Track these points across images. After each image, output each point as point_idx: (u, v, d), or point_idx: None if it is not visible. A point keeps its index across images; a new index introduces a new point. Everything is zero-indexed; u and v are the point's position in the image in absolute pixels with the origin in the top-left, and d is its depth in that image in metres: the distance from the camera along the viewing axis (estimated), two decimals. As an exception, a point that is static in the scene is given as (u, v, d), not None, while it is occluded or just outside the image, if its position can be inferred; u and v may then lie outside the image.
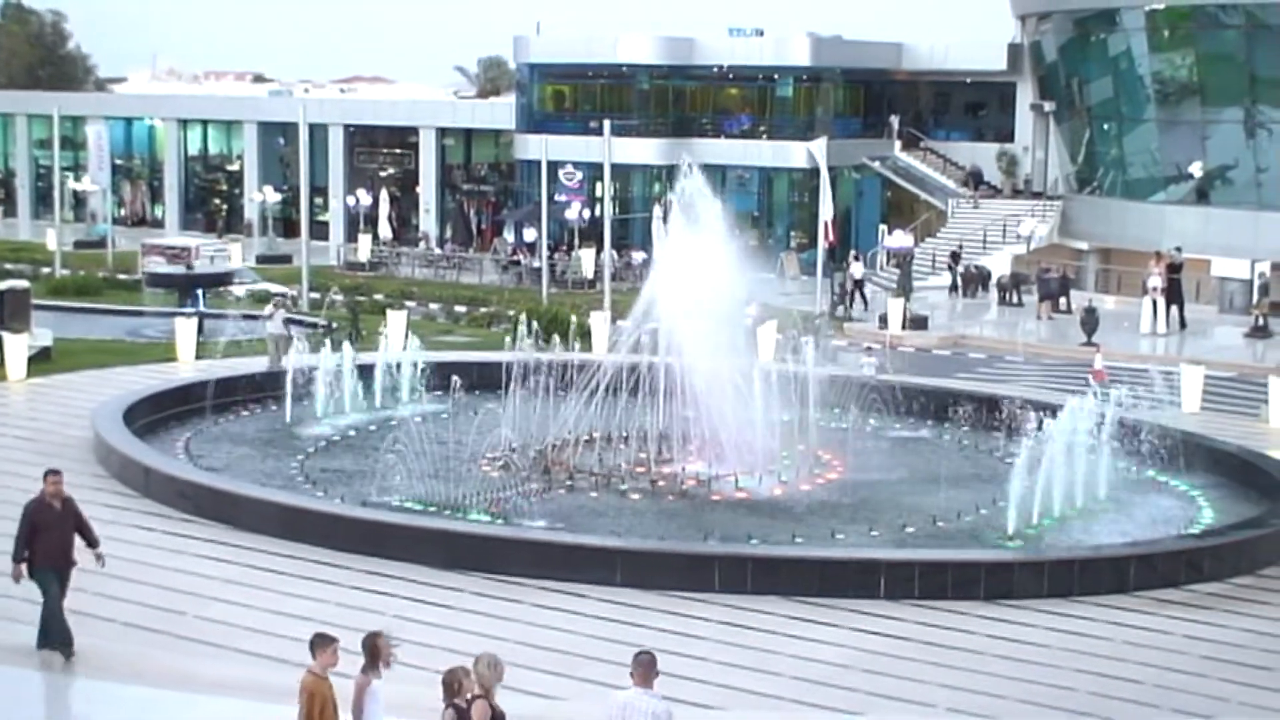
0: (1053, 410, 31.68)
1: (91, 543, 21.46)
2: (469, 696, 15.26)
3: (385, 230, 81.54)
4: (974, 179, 78.02)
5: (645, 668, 15.72)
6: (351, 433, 35.92)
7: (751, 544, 27.26)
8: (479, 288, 66.85)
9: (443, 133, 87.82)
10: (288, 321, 43.47)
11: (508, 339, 38.90)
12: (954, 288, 65.53)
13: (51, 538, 21.00)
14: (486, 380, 37.41)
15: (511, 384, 34.55)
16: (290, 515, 27.64)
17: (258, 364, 41.43)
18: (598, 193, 73.49)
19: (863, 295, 61.07)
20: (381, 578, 24.85)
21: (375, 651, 15.88)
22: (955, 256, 67.05)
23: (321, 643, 15.72)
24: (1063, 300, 60.32)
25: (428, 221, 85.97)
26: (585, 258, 69.99)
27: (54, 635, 20.81)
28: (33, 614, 22.89)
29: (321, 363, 37.60)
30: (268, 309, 44.12)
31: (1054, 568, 25.75)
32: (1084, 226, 72.01)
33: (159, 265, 63.22)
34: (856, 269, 61.41)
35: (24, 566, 20.91)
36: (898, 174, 79.27)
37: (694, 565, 25.42)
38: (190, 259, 63.41)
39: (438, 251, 78.17)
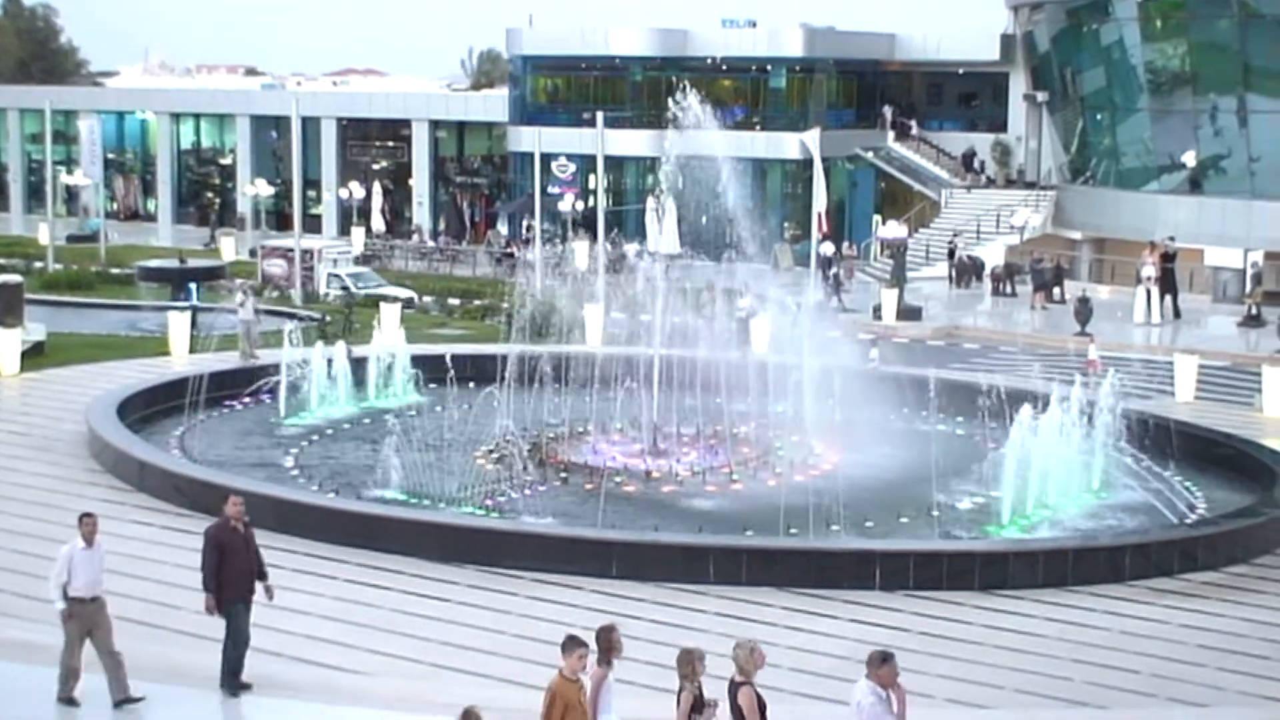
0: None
1: (261, 574, 20.03)
2: (735, 680, 15.35)
3: (378, 223, 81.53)
4: (967, 161, 78.05)
5: (873, 663, 15.77)
6: (345, 426, 35.91)
7: (747, 535, 27.27)
8: (472, 280, 66.81)
9: (436, 125, 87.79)
10: (259, 311, 43.58)
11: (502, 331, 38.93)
12: (952, 278, 65.64)
13: (237, 564, 19.70)
14: (481, 373, 37.42)
15: (505, 376, 34.52)
16: (285, 509, 27.58)
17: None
18: (591, 185, 73.44)
19: (835, 280, 60.65)
20: (377, 571, 24.85)
21: (610, 645, 15.95)
22: (955, 248, 67.12)
23: (572, 645, 15.45)
24: (1056, 290, 60.34)
25: (421, 214, 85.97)
26: (579, 250, 69.97)
27: (235, 674, 19.73)
28: (17, 607, 22.92)
29: (315, 356, 37.57)
30: (238, 297, 44.18)
31: (1049, 558, 25.77)
32: (1077, 216, 72.03)
33: (278, 267, 62.09)
34: (826, 247, 60.69)
35: (214, 596, 19.60)
36: (891, 164, 79.27)
37: (689, 557, 25.40)
38: (311, 262, 61.75)
39: (431, 244, 78.14)
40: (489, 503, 29.21)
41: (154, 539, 26.68)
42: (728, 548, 25.95)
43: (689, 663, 15.52)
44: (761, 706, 15.31)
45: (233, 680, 19.65)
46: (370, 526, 26.62)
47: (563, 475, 31.30)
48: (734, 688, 15.37)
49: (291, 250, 62.24)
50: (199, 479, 29.43)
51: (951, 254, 66.81)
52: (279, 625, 21.98)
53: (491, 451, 32.36)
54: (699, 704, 15.31)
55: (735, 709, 15.30)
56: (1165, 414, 34.99)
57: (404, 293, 58.24)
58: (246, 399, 37.92)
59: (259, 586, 19.94)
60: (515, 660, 21.36)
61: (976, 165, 78.26)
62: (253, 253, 67.37)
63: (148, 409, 35.70)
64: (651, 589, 24.26)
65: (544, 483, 30.80)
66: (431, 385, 37.83)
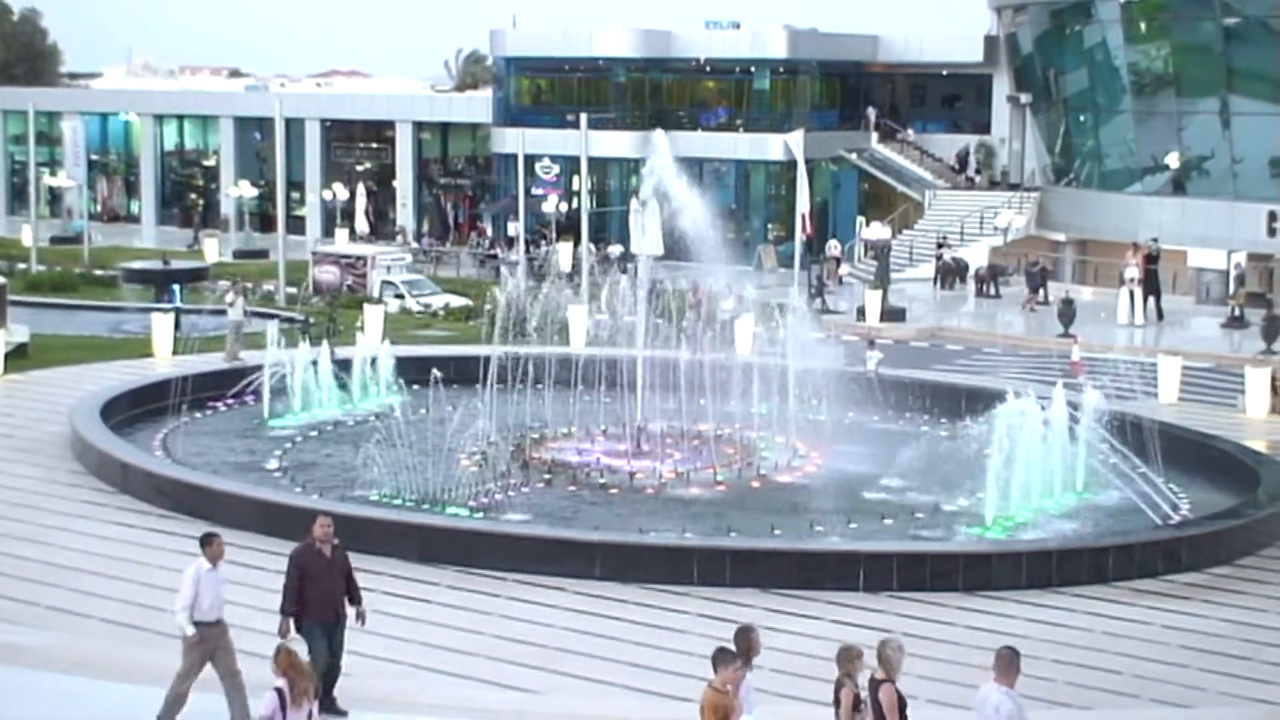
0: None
1: (355, 599, 19.23)
2: (875, 678, 15.39)
3: (362, 224, 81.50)
4: (962, 162, 78.17)
5: (1003, 663, 15.64)
6: (329, 427, 35.88)
7: (730, 536, 27.28)
8: (456, 281, 66.76)
9: (420, 127, 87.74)
10: (248, 312, 43.54)
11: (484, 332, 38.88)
12: (937, 279, 65.70)
13: (319, 588, 18.88)
14: (464, 374, 37.40)
15: (489, 378, 34.50)
16: (268, 510, 27.57)
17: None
18: (575, 186, 73.45)
19: (819, 281, 60.66)
20: (359, 572, 24.74)
21: (749, 645, 15.93)
22: (942, 249, 67.20)
23: (725, 658, 15.24)
24: (1040, 291, 60.44)
25: (405, 215, 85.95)
26: (563, 251, 69.96)
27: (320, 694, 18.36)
28: (2, 609, 22.87)
29: (298, 357, 37.53)
30: (228, 297, 44.14)
31: (1032, 559, 25.81)
32: (1061, 218, 72.13)
33: (330, 275, 61.42)
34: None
35: (291, 621, 18.84)
36: (875, 166, 79.36)
37: (672, 558, 25.40)
38: (365, 269, 60.87)
39: (415, 245, 78.08)
40: (472, 504, 29.19)
41: (137, 540, 26.65)
42: (711, 549, 25.96)
43: (850, 660, 15.58)
44: (902, 705, 15.32)
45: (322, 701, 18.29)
46: (351, 527, 26.50)
47: (546, 476, 31.28)
48: (875, 685, 15.41)
49: (345, 256, 61.68)
50: (182, 480, 29.41)
51: (940, 255, 66.84)
52: (262, 627, 21.94)
53: (474, 453, 32.33)
54: (859, 701, 15.35)
55: (875, 706, 15.34)
56: (1149, 415, 35.04)
57: (459, 300, 57.78)
58: (230, 400, 37.88)
59: (351, 610, 19.20)
60: (496, 661, 21.36)
61: (971, 165, 78.34)
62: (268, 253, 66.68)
63: (131, 411, 35.64)
64: (634, 590, 24.25)
65: (527, 484, 30.79)
66: (415, 386, 37.79)
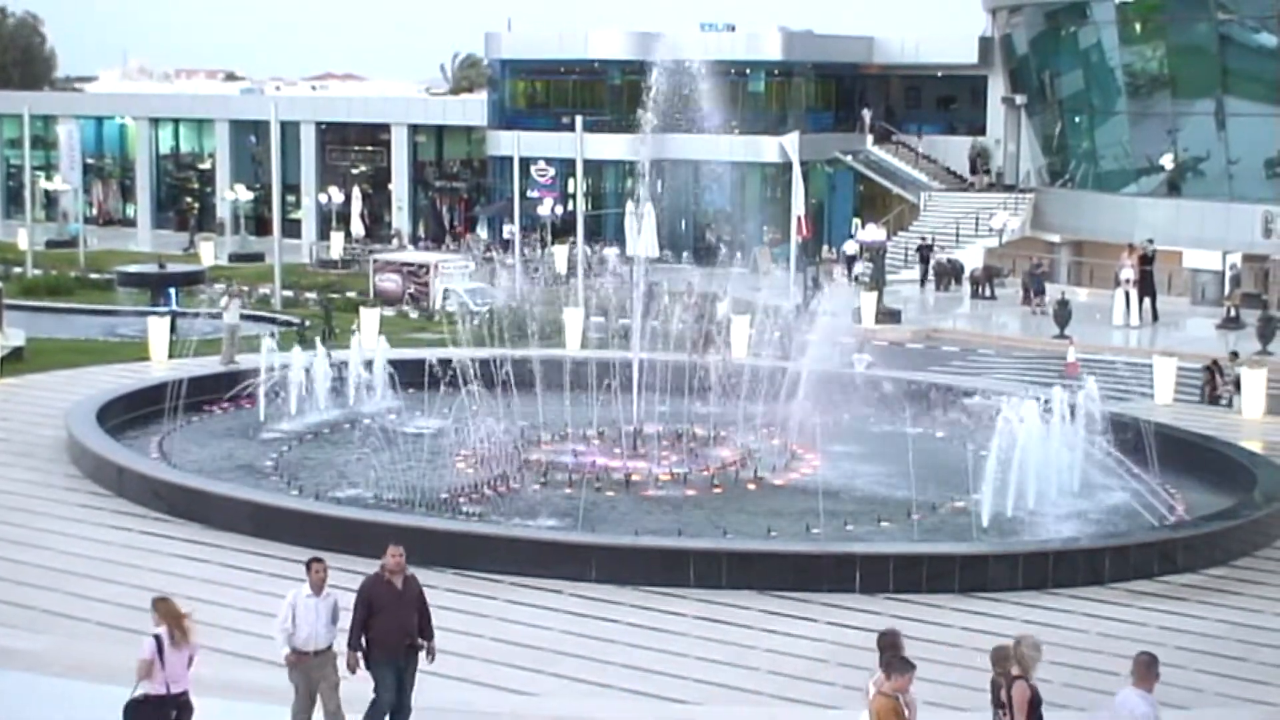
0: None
1: (427, 633, 18.21)
2: (1013, 673, 15.47)
3: (358, 228, 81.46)
4: (974, 163, 78.14)
5: (1142, 668, 15.72)
6: (326, 430, 35.87)
7: (727, 538, 27.27)
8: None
9: (415, 129, 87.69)
10: (244, 315, 43.51)
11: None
12: (924, 280, 65.63)
13: (389, 622, 17.86)
14: (461, 377, 37.36)
15: (487, 380, 34.47)
16: (263, 513, 27.59)
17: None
18: (570, 188, 73.42)
19: (813, 283, 60.55)
20: (355, 575, 24.73)
21: (895, 648, 15.97)
22: (925, 249, 67.12)
23: (901, 666, 15.27)
24: (1044, 294, 60.40)
25: (400, 219, 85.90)
26: (559, 254, 69.93)
27: None
28: (7, 614, 22.86)
29: (294, 360, 37.51)
30: (223, 300, 44.12)
31: (1028, 560, 25.81)
32: (1056, 219, 72.14)
33: (392, 283, 60.63)
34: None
35: (360, 656, 17.96)
36: (870, 168, 79.37)
37: (669, 560, 25.40)
38: (428, 277, 59.76)
39: (410, 248, 78.02)
40: (467, 506, 29.18)
41: (132, 544, 26.64)
42: (707, 551, 25.94)
43: (1006, 659, 15.68)
44: (1035, 702, 15.38)
45: None
46: (347, 530, 26.54)
47: (542, 479, 31.26)
48: (1008, 681, 15.49)
49: (407, 264, 60.97)
50: (178, 484, 29.41)
51: (924, 257, 66.73)
52: (257, 630, 21.94)
53: (470, 455, 32.32)
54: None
55: (1007, 702, 15.46)
56: (1145, 416, 35.05)
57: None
58: (226, 404, 37.87)
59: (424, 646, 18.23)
60: (492, 664, 21.35)
61: (983, 167, 78.36)
62: (340, 262, 65.57)
63: (127, 414, 35.64)
64: (630, 593, 24.25)
65: (522, 486, 30.77)
66: (411, 389, 37.76)
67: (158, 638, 16.70)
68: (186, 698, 16.98)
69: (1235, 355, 43.51)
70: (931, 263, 66.28)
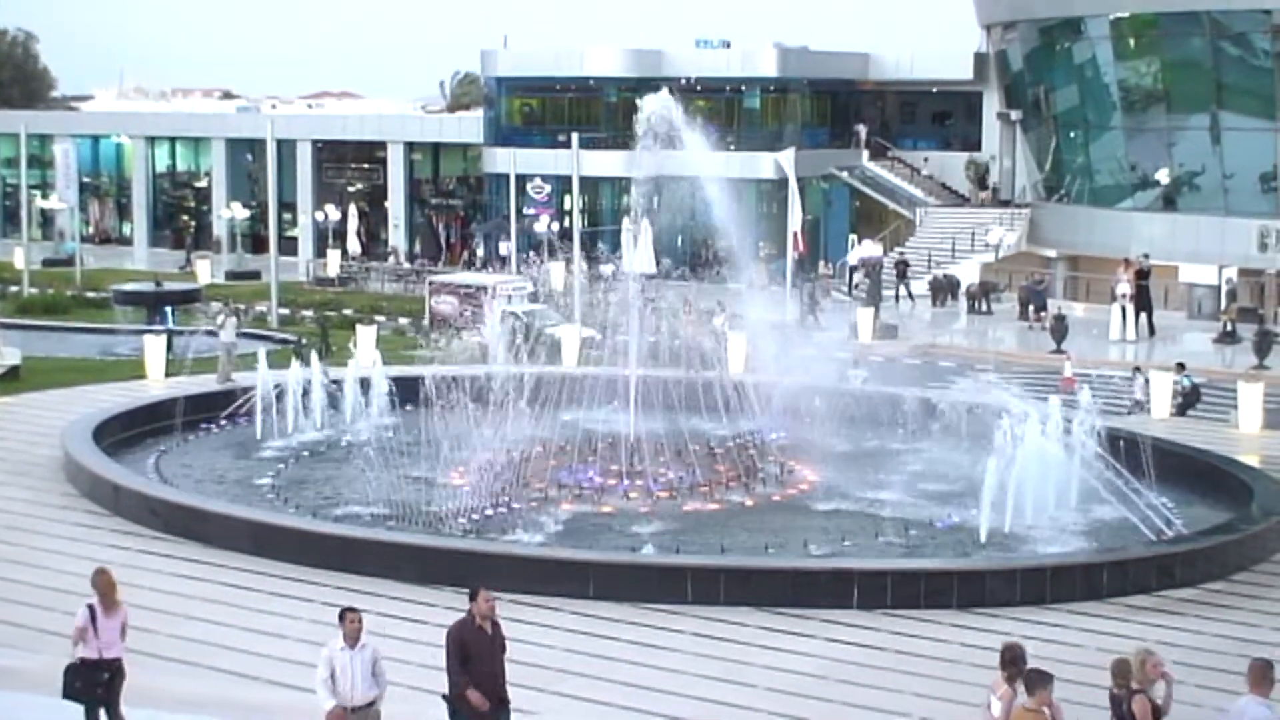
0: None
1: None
2: (1132, 687, 15.63)
3: (354, 245, 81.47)
4: (981, 179, 78.18)
5: (1257, 674, 15.75)
6: (322, 448, 35.84)
7: (724, 555, 27.26)
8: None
9: (411, 147, 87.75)
10: (240, 333, 43.49)
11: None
12: (899, 298, 65.22)
13: (481, 670, 17.28)
14: (457, 394, 37.35)
15: (484, 397, 34.44)
16: (261, 531, 27.57)
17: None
18: (567, 206, 73.46)
19: (811, 299, 60.58)
20: (354, 593, 24.78)
21: (1022, 661, 16.05)
22: (902, 266, 67.10)
23: (1042, 680, 15.34)
24: (1045, 309, 60.46)
25: (397, 236, 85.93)
26: (555, 271, 69.95)
27: None
28: (5, 634, 22.79)
29: (290, 378, 37.50)
30: (219, 319, 44.09)
31: (1026, 575, 25.79)
32: (1052, 234, 72.23)
33: (448, 305, 59.19)
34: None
35: (473, 691, 17.16)
36: (866, 183, 79.45)
37: (666, 577, 25.39)
38: (484, 300, 56.56)
39: (407, 266, 78.10)
40: (465, 524, 29.16)
41: (130, 562, 26.56)
42: (705, 567, 25.93)
43: (1128, 673, 15.81)
44: (1156, 716, 15.43)
45: None
46: (346, 549, 26.56)
47: (539, 496, 31.23)
48: (1128, 695, 15.58)
49: (464, 286, 60.05)
50: (174, 502, 29.39)
51: (902, 273, 66.56)
52: (255, 649, 21.93)
53: (468, 472, 32.29)
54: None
55: (1129, 716, 15.55)
56: (1142, 430, 35.06)
57: (586, 331, 56.67)
58: (223, 422, 37.85)
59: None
60: (493, 682, 21.29)
61: (989, 182, 78.43)
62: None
63: (124, 433, 35.63)
64: (628, 609, 24.23)
65: (520, 503, 30.74)
66: (408, 407, 37.74)
67: (91, 607, 18.21)
68: (119, 663, 18.41)
69: (1181, 366, 43.61)
70: (909, 279, 66.16)
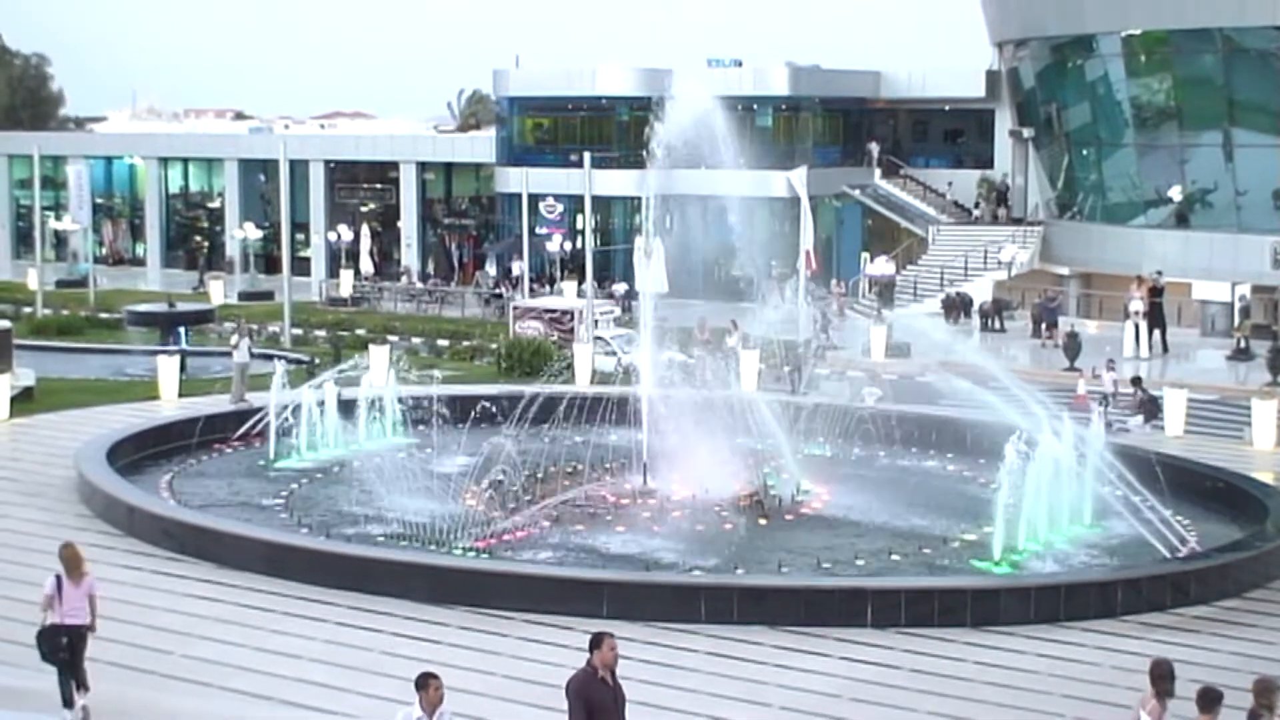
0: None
1: None
2: (1257, 712, 15.63)
3: (367, 265, 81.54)
4: (1000, 196, 78.08)
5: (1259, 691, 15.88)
6: (335, 468, 35.83)
7: (737, 574, 27.24)
8: (461, 321, 66.79)
9: (423, 167, 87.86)
10: (253, 353, 43.53)
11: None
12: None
13: None
14: (471, 414, 37.39)
15: (496, 416, 34.49)
16: (275, 552, 27.57)
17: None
18: (579, 225, 73.49)
19: (824, 317, 60.44)
20: (367, 613, 24.80)
21: (1172, 677, 16.25)
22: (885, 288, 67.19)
23: (1213, 700, 15.64)
24: (1042, 326, 60.37)
25: (409, 256, 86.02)
26: (567, 290, 70.01)
27: None
28: (6, 653, 22.78)
29: (304, 398, 37.52)
30: (233, 339, 44.15)
31: (1040, 593, 25.75)
32: (1065, 252, 72.15)
33: (534, 330, 57.45)
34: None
35: None
36: (878, 202, 79.44)
37: (680, 596, 25.38)
38: (571, 323, 56.48)
39: (419, 286, 78.18)
40: (478, 544, 29.15)
41: (143, 583, 26.62)
42: (718, 586, 25.92)
43: (1271, 692, 15.70)
44: None
45: None
46: (360, 568, 26.56)
47: (553, 515, 31.21)
48: (1271, 714, 15.57)
49: (550, 311, 59.08)
50: (188, 523, 29.41)
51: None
52: (269, 669, 21.93)
53: (481, 492, 32.28)
54: None
55: None
56: (1155, 448, 35.02)
57: (681, 357, 55.66)
58: (236, 442, 37.86)
59: None
60: (506, 701, 21.31)
61: (1008, 199, 78.29)
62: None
63: (137, 453, 35.67)
64: (642, 628, 24.19)
65: (534, 523, 30.73)
66: (420, 426, 37.77)
67: (58, 576, 20.02)
68: (83, 630, 20.09)
69: (1138, 380, 43.72)
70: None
